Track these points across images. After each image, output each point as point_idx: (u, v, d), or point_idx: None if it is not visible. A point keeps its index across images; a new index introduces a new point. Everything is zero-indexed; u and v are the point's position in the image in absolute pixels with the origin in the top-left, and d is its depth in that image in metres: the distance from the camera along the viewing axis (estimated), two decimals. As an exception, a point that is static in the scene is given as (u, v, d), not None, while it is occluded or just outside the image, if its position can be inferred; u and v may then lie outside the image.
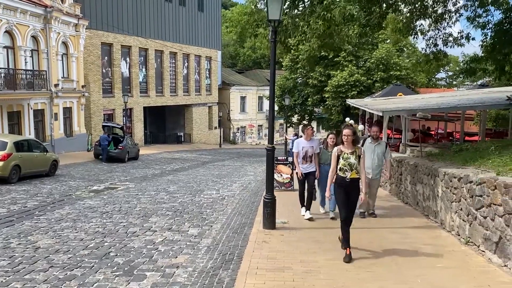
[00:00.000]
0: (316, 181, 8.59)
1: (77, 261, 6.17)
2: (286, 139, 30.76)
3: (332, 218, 8.20)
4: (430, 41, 12.13)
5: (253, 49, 60.00)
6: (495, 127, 20.63)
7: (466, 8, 12.13)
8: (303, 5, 9.29)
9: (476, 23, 12.02)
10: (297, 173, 8.46)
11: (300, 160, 8.38)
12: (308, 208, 8.33)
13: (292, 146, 20.45)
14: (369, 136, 8.72)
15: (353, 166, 5.90)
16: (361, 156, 6.00)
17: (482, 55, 12.25)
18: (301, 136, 9.06)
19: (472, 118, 20.60)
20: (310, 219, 8.18)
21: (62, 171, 17.42)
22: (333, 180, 6.10)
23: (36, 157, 15.50)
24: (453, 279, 5.09)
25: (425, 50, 12.45)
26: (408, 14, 11.54)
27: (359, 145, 6.19)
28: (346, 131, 5.93)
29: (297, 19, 9.05)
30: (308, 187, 8.43)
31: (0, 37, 20.31)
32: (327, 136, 8.58)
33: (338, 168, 5.95)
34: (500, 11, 11.91)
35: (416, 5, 11.13)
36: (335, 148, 6.10)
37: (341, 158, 5.94)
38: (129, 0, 32.79)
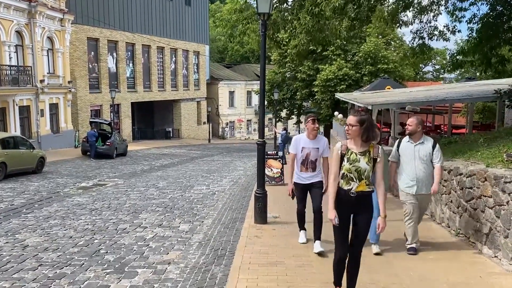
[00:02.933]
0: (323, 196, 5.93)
1: (67, 259, 6.09)
2: (275, 133, 30.78)
3: (377, 254, 5.68)
4: (417, 34, 12.17)
5: (241, 43, 59.78)
6: (482, 120, 20.87)
7: (446, 1, 12.16)
8: (292, -1, 9.26)
9: (455, 17, 12.06)
10: (292, 190, 6.12)
11: (297, 166, 5.98)
12: (318, 237, 5.78)
13: (281, 141, 20.46)
14: (406, 134, 6.01)
15: (364, 174, 3.96)
16: (378, 159, 4.02)
17: (468, 48, 12.32)
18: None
19: (460, 111, 20.81)
20: (320, 254, 5.64)
21: (49, 168, 17.20)
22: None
23: (22, 154, 15.28)
24: (444, 271, 5.12)
25: (412, 43, 12.49)
26: (393, 6, 11.57)
27: (374, 142, 4.14)
28: (350, 118, 4.03)
29: (286, 13, 9.01)
30: (313, 205, 5.87)
31: (-17, 32, 19.93)
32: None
33: (341, 174, 4.03)
34: (485, 4, 11.99)
35: None
36: (338, 144, 4.10)
37: (345, 159, 4.01)
38: (115, -6, 32.40)
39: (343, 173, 4.01)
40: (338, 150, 4.05)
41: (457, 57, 12.75)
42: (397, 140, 6.10)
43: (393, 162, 6.02)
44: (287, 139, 19.53)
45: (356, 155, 3.99)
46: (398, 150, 5.92)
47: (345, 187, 4.00)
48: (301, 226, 6.30)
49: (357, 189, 3.97)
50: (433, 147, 5.71)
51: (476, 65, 12.88)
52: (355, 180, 3.98)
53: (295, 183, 6.03)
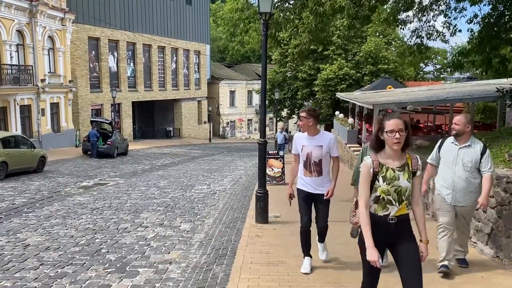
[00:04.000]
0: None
1: (68, 258, 6.09)
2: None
3: None
4: (415, 32, 12.16)
5: (242, 43, 59.79)
6: (483, 120, 20.87)
7: (441, 2, 12.14)
8: (294, -2, 9.25)
9: (448, 18, 12.05)
10: (289, 195, 5.27)
11: (300, 169, 5.06)
12: (321, 240, 5.25)
13: (280, 142, 20.39)
14: (451, 135, 5.01)
15: (405, 194, 3.18)
16: (418, 172, 3.26)
17: (469, 47, 12.32)
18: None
19: (461, 111, 20.80)
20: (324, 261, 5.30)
21: (50, 167, 17.20)
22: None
23: (23, 153, 15.28)
24: (446, 271, 5.11)
25: (410, 41, 12.48)
26: (393, 5, 11.56)
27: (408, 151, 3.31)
28: (395, 123, 3.09)
29: (288, 13, 9.01)
30: (317, 223, 5.10)
31: (-16, 32, 19.94)
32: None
33: (374, 197, 3.19)
34: (487, 4, 11.97)
35: None
36: (368, 159, 3.21)
37: (379, 178, 3.16)
38: (116, -7, 32.40)
39: (378, 196, 3.16)
40: (369, 168, 3.16)
41: (458, 57, 12.76)
42: (440, 140, 5.21)
43: (431, 165, 5.16)
44: (286, 140, 19.32)
45: (394, 172, 3.14)
46: (439, 152, 5.04)
47: (381, 213, 3.17)
48: (306, 251, 5.11)
49: (397, 213, 3.16)
50: (482, 152, 4.73)
51: (478, 66, 12.87)
52: (394, 203, 3.15)
53: (298, 190, 5.07)
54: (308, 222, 4.96)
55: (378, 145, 3.20)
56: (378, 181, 3.16)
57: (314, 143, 4.93)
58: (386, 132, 3.10)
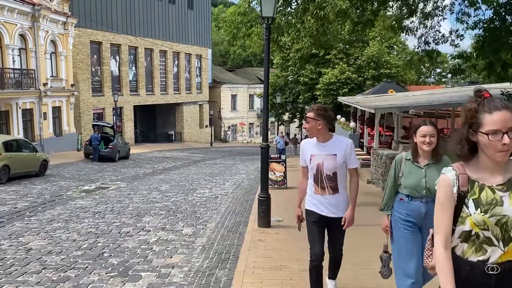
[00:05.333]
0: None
1: (71, 262, 6.08)
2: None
3: None
4: (422, 39, 12.15)
5: (244, 47, 59.93)
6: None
7: (452, 7, 12.14)
8: (296, 3, 9.27)
9: (465, 24, 12.03)
10: (298, 217, 4.14)
11: (309, 185, 3.99)
12: (333, 275, 4.27)
13: (280, 148, 20.17)
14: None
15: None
16: None
17: (471, 51, 12.30)
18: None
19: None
20: None
21: (52, 171, 17.22)
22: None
23: (25, 157, 15.31)
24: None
25: (418, 47, 12.46)
26: (398, 11, 11.57)
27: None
28: (499, 118, 1.86)
29: (290, 17, 9.04)
30: (330, 252, 4.09)
31: (-13, 36, 20.03)
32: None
33: (461, 233, 2.00)
34: (489, 9, 11.98)
35: (405, 1, 11.11)
36: (449, 172, 2.03)
37: (469, 201, 1.97)
38: (118, -2, 32.54)
39: (468, 232, 1.97)
40: (451, 186, 1.99)
41: (458, 61, 12.74)
42: None
43: None
44: (286, 145, 19.08)
45: (494, 192, 1.95)
46: None
47: (473, 258, 1.98)
48: None
49: (502, 259, 1.95)
50: None
51: (480, 70, 12.83)
52: (496, 242, 1.94)
53: (307, 211, 3.98)
54: (321, 253, 3.83)
55: (468, 151, 2.00)
56: (467, 207, 1.97)
57: (326, 151, 3.83)
58: (486, 132, 1.88)
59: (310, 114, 3.84)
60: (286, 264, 5.49)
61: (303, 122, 4.18)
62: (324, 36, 9.50)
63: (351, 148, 3.89)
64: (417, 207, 3.47)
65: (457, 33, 12.03)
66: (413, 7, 11.12)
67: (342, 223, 3.83)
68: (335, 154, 3.81)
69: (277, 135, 20.49)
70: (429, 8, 11.85)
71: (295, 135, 41.82)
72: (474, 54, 11.85)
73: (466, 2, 11.60)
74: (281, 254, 5.93)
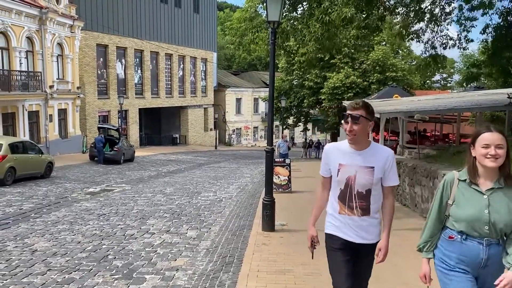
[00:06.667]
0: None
1: (75, 264, 6.10)
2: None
3: None
4: (428, 44, 12.10)
5: (248, 51, 60.09)
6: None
7: (453, 11, 12.09)
8: (302, 8, 9.30)
9: (464, 27, 11.96)
10: (312, 240, 3.26)
11: (331, 202, 3.14)
12: None
13: (285, 152, 19.83)
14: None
15: None
16: None
17: (483, 59, 12.24)
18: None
19: (468, 120, 20.71)
20: None
21: (58, 173, 17.30)
22: None
23: (31, 159, 15.39)
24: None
25: (424, 53, 12.39)
26: (404, 17, 11.54)
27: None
28: None
29: (296, 22, 9.07)
30: (356, 280, 3.07)
31: (-6, 38, 20.21)
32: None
33: None
34: (495, 14, 11.95)
35: (411, 7, 11.09)
36: None
37: None
38: (124, 1, 32.73)
39: None
40: None
41: (471, 70, 12.69)
42: None
43: None
44: (289, 149, 18.75)
45: None
46: None
47: None
48: None
49: None
50: None
51: (495, 77, 12.73)
52: None
53: (328, 236, 3.15)
54: None
55: None
56: None
57: (361, 162, 2.96)
58: None
59: (360, 112, 2.89)
60: (290, 268, 5.49)
61: (342, 122, 3.07)
62: (330, 40, 9.52)
63: (392, 161, 3.01)
64: (474, 251, 2.52)
65: (465, 38, 12.00)
66: (420, 13, 11.11)
67: (376, 254, 3.06)
68: (373, 167, 2.95)
69: (281, 139, 20.01)
70: (437, 11, 11.83)
71: (319, 139, 41.61)
72: (485, 61, 11.79)
73: (468, 6, 11.57)
74: (285, 258, 5.93)
